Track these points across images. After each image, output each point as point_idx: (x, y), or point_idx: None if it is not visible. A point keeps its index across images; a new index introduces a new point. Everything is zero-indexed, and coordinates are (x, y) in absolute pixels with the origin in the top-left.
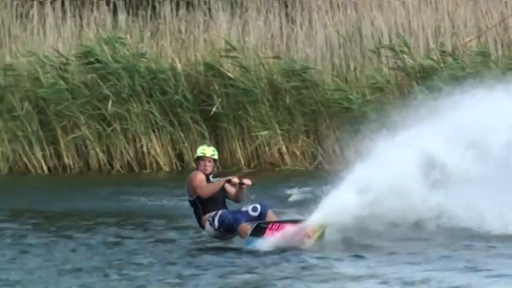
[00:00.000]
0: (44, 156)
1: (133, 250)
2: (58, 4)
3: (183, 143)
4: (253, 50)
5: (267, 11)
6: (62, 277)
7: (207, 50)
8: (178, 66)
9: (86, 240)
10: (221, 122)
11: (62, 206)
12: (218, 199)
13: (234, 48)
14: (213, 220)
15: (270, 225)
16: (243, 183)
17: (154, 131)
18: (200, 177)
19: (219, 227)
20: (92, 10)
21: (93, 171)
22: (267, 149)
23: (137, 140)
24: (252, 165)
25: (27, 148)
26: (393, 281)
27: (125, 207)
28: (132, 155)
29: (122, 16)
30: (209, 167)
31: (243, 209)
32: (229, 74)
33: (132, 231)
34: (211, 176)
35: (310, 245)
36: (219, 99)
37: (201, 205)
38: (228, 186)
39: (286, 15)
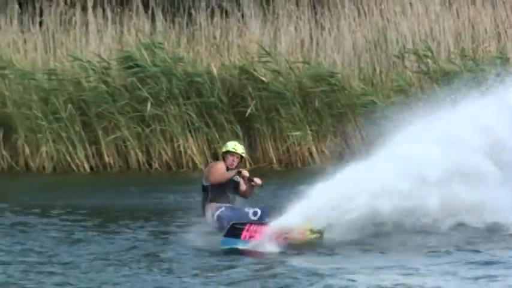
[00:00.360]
0: (86, 156)
1: (171, 243)
2: (100, 11)
3: (218, 143)
4: (284, 55)
5: (297, 18)
6: (103, 269)
7: (241, 55)
8: (214, 70)
9: (126, 234)
10: (254, 123)
11: (102, 202)
12: (227, 193)
13: (268, 54)
14: (214, 213)
15: (247, 227)
16: (253, 181)
17: (190, 132)
18: (222, 166)
19: (216, 221)
20: (131, 17)
21: (132, 170)
22: (297, 148)
23: (174, 140)
24: (283, 164)
25: (70, 148)
26: (415, 273)
27: (162, 204)
28: (169, 154)
29: (159, 23)
30: (235, 163)
31: (246, 209)
32: (263, 78)
33: (169, 226)
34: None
35: (301, 244)
36: (253, 101)
37: (211, 193)
38: (241, 182)
39: (316, 22)
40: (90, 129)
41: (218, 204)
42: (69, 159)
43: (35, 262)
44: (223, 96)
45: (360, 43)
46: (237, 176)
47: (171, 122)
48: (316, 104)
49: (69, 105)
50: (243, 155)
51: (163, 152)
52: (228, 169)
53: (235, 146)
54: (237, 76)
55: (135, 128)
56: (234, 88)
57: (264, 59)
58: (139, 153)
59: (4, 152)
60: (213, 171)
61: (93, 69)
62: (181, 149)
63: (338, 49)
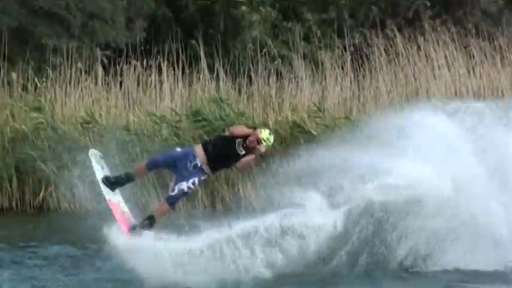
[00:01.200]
0: (157, 197)
1: None
2: (171, 73)
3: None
4: (330, 111)
5: (342, 79)
6: None
7: (293, 112)
8: (270, 124)
9: None
10: None
11: None
12: (220, 157)
13: (320, 110)
14: (176, 148)
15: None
16: (260, 145)
17: (249, 177)
18: (244, 127)
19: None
20: (198, 78)
21: (198, 210)
22: None
23: (235, 184)
24: None
25: (144, 191)
26: None
27: None
28: (231, 197)
29: (222, 82)
30: (253, 144)
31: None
32: (313, 132)
33: None
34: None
35: None
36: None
37: (209, 141)
38: (243, 160)
39: (358, 82)
40: (161, 175)
41: (198, 150)
42: (143, 201)
43: None
44: (277, 147)
45: (395, 101)
46: (242, 150)
47: (232, 170)
48: None
49: (145, 155)
50: (269, 144)
51: (226, 196)
52: (244, 144)
53: (264, 133)
54: (289, 130)
55: None
56: (286, 140)
57: (313, 115)
58: (204, 197)
59: (88, 195)
60: (236, 126)
61: (166, 123)
62: (241, 192)
63: (376, 107)
